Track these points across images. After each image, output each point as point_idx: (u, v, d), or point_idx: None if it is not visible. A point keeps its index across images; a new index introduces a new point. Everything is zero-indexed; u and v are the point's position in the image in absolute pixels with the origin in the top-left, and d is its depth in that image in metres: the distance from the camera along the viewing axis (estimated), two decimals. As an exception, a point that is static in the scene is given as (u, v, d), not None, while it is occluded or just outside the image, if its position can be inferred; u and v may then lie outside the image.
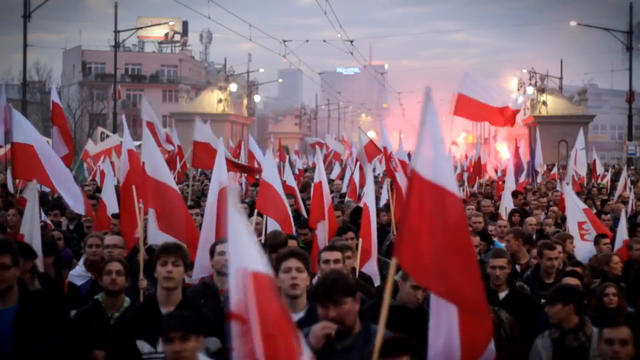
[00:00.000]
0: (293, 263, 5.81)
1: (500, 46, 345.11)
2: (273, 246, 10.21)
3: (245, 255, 3.33)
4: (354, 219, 12.24)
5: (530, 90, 64.21)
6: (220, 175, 9.02)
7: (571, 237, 10.93)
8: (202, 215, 12.46)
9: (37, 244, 8.23)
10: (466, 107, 13.17)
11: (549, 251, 9.08)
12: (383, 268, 9.10)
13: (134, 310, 6.29)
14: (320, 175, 10.41)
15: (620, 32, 50.77)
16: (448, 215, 4.06)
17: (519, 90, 68.93)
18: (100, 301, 6.78)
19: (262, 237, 10.00)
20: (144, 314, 5.95)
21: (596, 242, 10.70)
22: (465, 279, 4.04)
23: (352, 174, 17.77)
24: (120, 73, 65.52)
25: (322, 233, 9.80)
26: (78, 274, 8.89)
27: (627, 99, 51.72)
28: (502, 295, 8.06)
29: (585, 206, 12.13)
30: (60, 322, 6.03)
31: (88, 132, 57.93)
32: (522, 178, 21.90)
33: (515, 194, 15.95)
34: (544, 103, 61.54)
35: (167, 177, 8.64)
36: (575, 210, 11.50)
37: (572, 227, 11.35)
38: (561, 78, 69.16)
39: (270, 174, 10.60)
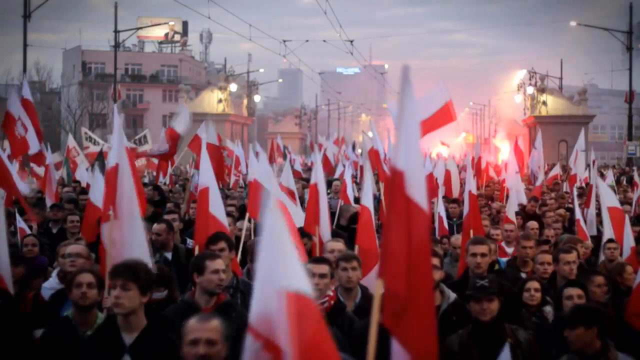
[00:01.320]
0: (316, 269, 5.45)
1: (500, 46, 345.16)
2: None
3: (285, 273, 2.99)
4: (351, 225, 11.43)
5: (530, 90, 64.22)
6: (206, 176, 8.50)
7: (582, 241, 10.26)
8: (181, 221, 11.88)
9: (4, 258, 7.24)
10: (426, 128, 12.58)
11: (565, 255, 8.25)
12: None
13: (92, 335, 5.66)
14: (316, 176, 9.57)
15: (620, 32, 50.76)
16: (413, 234, 3.55)
17: (518, 90, 68.96)
18: (70, 318, 5.93)
19: (249, 242, 9.47)
20: (103, 340, 5.34)
21: (604, 246, 9.99)
22: (418, 314, 3.48)
23: (343, 173, 16.06)
24: (120, 73, 65.51)
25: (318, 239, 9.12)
26: (51, 286, 7.80)
27: (627, 99, 51.70)
28: None
29: (616, 204, 11.39)
30: (22, 343, 5.35)
31: (88, 132, 57.85)
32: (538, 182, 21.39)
33: (531, 199, 15.63)
34: (544, 103, 61.55)
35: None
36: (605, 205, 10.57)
37: (607, 223, 10.49)
38: (561, 78, 69.15)
39: (262, 175, 9.75)
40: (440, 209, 13.22)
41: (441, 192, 15.59)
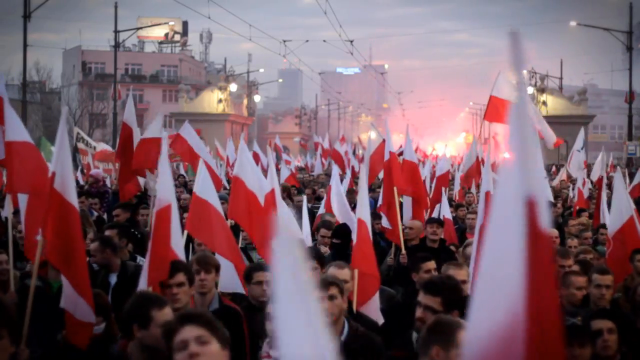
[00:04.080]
0: (191, 332, 3.67)
1: (500, 46, 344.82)
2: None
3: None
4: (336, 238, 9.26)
5: (530, 90, 64.25)
6: (164, 191, 5.92)
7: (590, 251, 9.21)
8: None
9: None
10: (497, 110, 12.92)
11: (598, 275, 7.02)
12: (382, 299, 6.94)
13: None
14: (272, 181, 7.73)
15: (620, 32, 50.74)
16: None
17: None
18: None
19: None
20: None
21: (631, 258, 8.64)
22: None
23: (330, 181, 12.74)
24: (120, 73, 65.49)
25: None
26: None
27: (627, 99, 51.70)
28: None
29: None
30: None
31: (88, 133, 57.91)
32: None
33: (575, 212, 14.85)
34: (544, 103, 61.61)
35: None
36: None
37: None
38: (561, 78, 69.17)
39: (205, 188, 7.27)
40: (446, 212, 11.88)
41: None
